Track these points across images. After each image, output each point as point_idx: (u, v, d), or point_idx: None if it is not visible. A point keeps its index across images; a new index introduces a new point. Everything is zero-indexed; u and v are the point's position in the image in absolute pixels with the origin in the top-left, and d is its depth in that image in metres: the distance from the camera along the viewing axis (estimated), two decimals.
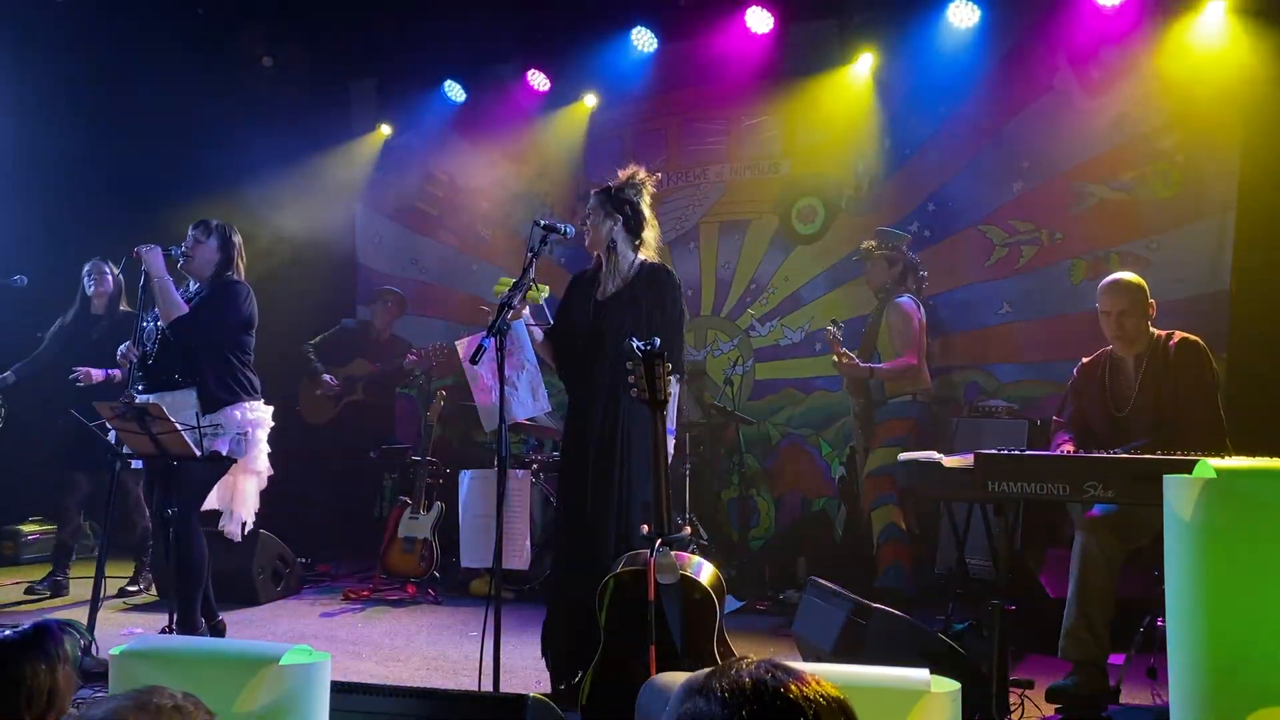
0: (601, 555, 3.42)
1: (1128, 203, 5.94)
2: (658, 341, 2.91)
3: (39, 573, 5.81)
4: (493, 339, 3.08)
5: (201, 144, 7.19)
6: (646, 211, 3.72)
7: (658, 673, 2.57)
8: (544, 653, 3.66)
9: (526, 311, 3.54)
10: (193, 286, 4.43)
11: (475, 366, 3.12)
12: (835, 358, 5.27)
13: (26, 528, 6.44)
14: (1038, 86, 6.14)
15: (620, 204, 3.68)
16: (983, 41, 6.17)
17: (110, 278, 5.75)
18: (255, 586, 5.27)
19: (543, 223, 3.47)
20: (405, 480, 6.48)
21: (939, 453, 3.81)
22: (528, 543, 3.18)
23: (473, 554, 3.31)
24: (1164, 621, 3.83)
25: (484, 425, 3.54)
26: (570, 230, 3.54)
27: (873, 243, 5.71)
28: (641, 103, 7.34)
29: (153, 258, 4.16)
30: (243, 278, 4.45)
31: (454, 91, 7.64)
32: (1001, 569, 3.64)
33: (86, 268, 5.81)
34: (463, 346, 3.44)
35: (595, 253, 3.75)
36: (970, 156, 6.36)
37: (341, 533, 7.16)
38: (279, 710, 2.12)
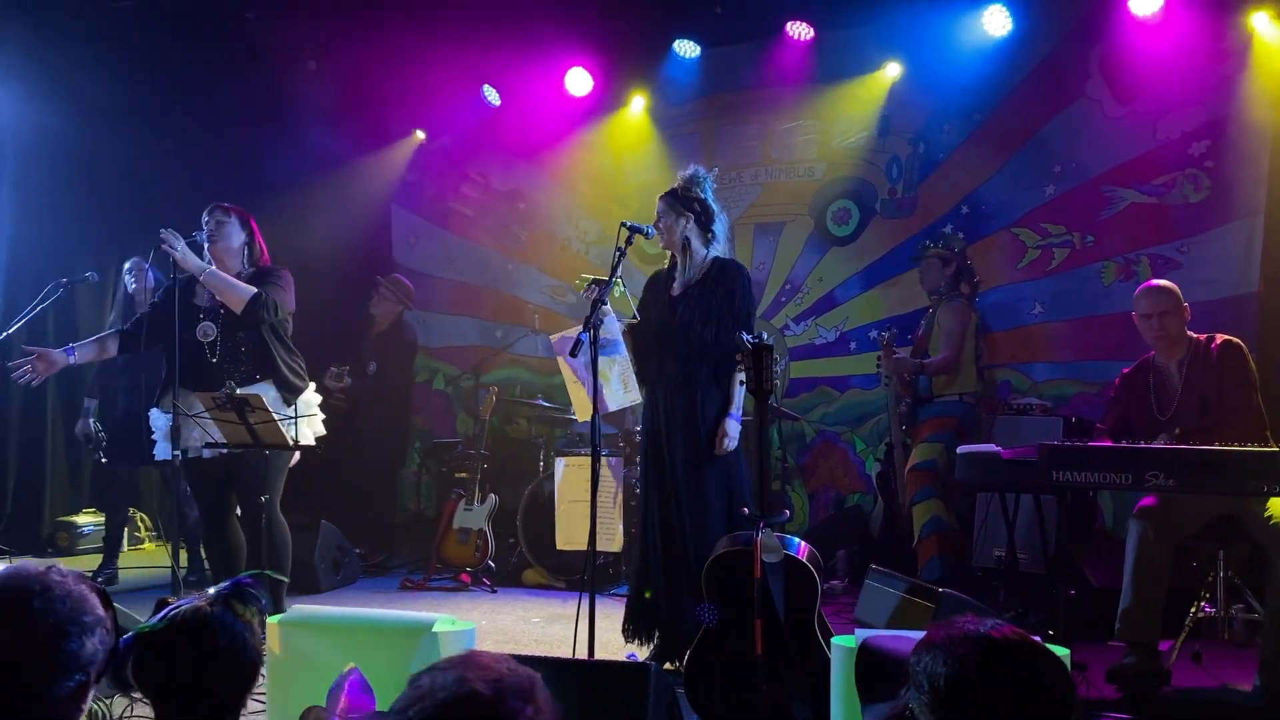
0: (679, 542, 3.61)
1: (1158, 207, 6.12)
2: (765, 335, 3.08)
3: (93, 563, 5.96)
4: (588, 333, 3.25)
5: (245, 145, 7.36)
6: (714, 205, 3.94)
7: (761, 647, 2.74)
8: (627, 632, 3.82)
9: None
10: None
11: (573, 359, 3.28)
12: (882, 354, 5.45)
13: (81, 519, 6.58)
14: (1070, 93, 6.32)
15: (689, 202, 3.90)
16: (1016, 48, 6.35)
17: (149, 273, 5.82)
18: (317, 576, 5.42)
19: (628, 224, 3.65)
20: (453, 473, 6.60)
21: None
22: (620, 526, 3.33)
23: (568, 537, 3.46)
24: (1211, 608, 4.06)
25: (577, 416, 3.71)
26: (651, 231, 3.73)
27: (930, 243, 5.86)
28: (678, 107, 7.52)
29: (185, 250, 3.99)
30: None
31: (492, 95, 7.79)
32: (1058, 555, 3.82)
33: (128, 265, 5.91)
34: (557, 341, 3.61)
35: (670, 252, 3.94)
36: (1003, 161, 6.53)
37: (375, 529, 7.29)
38: None
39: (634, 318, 3.81)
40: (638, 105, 7.59)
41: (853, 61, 6.84)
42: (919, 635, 2.15)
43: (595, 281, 3.65)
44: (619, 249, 3.57)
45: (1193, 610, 3.99)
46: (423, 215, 8.54)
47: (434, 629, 2.30)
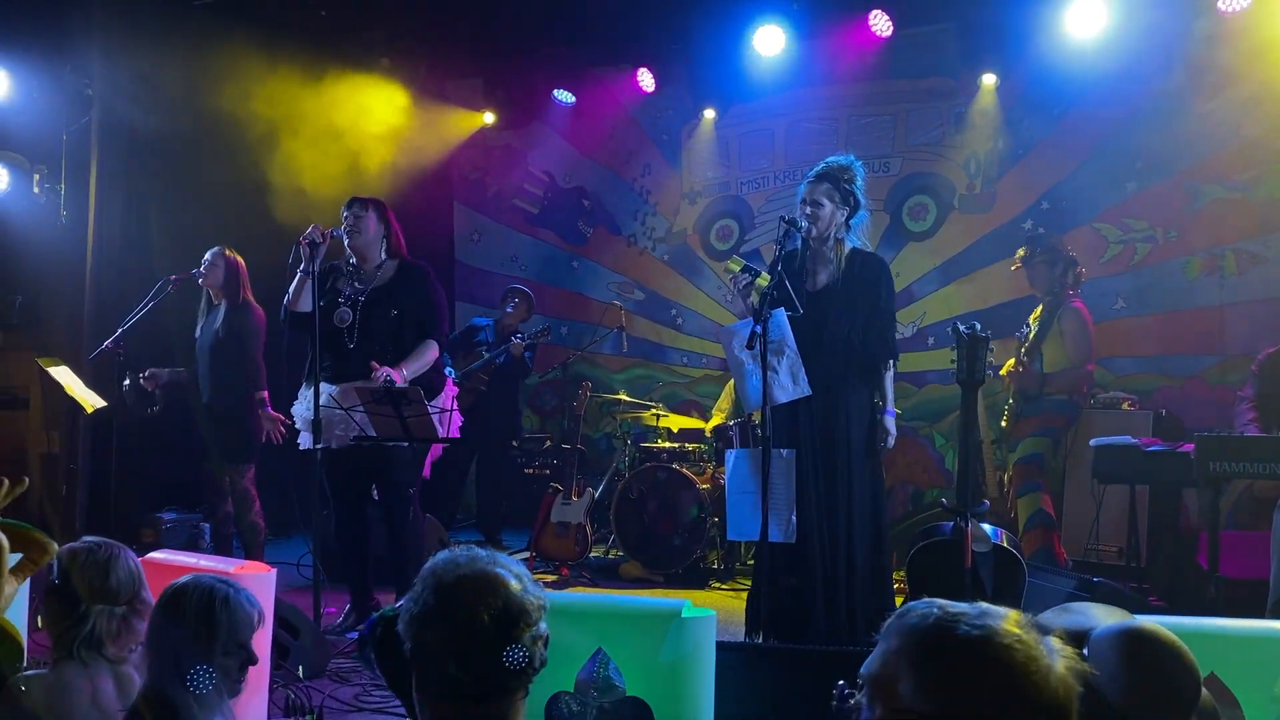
0: (824, 537, 3.62)
1: (1242, 202, 6.16)
2: (978, 325, 3.07)
3: None
4: (760, 325, 3.28)
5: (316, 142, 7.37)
6: (863, 198, 3.85)
7: None
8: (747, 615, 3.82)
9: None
10: (361, 280, 4.21)
11: (743, 353, 3.30)
12: (1014, 368, 5.39)
13: (166, 515, 6.58)
14: (1153, 89, 6.34)
15: (847, 195, 3.78)
16: (1098, 44, 6.34)
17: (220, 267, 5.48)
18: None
19: (785, 218, 3.65)
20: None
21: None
22: (793, 517, 3.35)
23: (739, 529, 3.49)
24: None
25: (744, 408, 3.74)
26: (804, 224, 3.72)
27: (1023, 250, 5.74)
28: (749, 103, 7.53)
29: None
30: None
31: (565, 96, 7.77)
32: (1212, 546, 3.85)
33: (207, 256, 5.64)
34: (723, 333, 3.63)
35: (810, 238, 3.82)
36: (1084, 156, 6.57)
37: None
38: (681, 660, 2.31)
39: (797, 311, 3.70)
40: (707, 104, 7.59)
41: (931, 58, 6.87)
42: None
43: (746, 269, 3.65)
44: (778, 243, 3.57)
45: None
46: (485, 212, 8.55)
47: (683, 614, 2.32)
